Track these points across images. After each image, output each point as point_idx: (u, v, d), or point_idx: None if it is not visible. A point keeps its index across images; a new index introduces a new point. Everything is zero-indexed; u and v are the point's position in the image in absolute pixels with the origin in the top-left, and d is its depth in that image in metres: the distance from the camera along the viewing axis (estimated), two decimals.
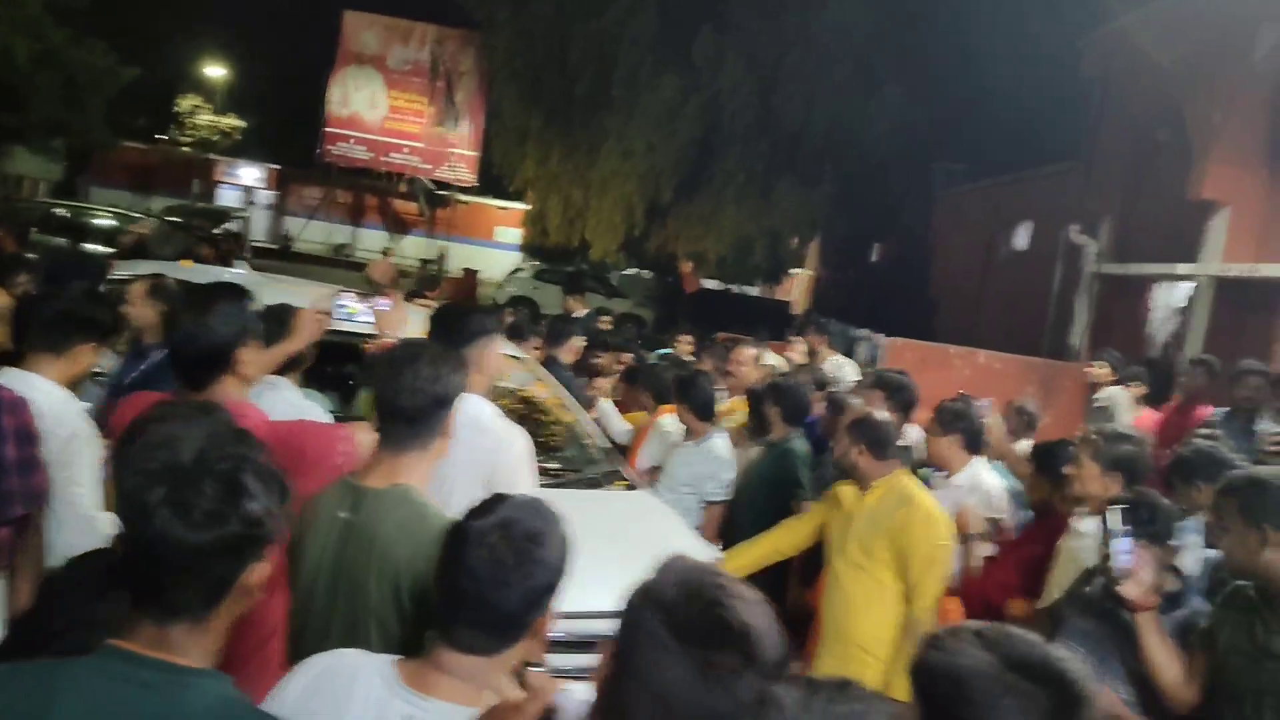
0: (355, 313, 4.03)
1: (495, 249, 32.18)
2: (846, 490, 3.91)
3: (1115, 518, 2.74)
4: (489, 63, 22.24)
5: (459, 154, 32.25)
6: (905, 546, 3.63)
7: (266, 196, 34.14)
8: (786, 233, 19.56)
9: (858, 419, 3.89)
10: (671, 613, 1.31)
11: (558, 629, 3.43)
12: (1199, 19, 10.37)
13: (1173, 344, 10.35)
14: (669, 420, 5.40)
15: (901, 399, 4.84)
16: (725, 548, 4.78)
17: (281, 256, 28.01)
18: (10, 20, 17.80)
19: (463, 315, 3.00)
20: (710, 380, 5.49)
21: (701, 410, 5.10)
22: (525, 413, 4.95)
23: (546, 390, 5.11)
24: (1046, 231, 14.75)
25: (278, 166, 34.41)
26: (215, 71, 37.85)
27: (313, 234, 33.42)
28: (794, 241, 21.02)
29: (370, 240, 33.24)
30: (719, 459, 4.99)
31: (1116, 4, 11.63)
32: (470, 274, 25.06)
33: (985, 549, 4.07)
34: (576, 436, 4.97)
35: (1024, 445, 5.86)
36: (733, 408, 5.75)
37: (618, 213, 18.27)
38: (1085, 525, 3.40)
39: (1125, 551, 2.71)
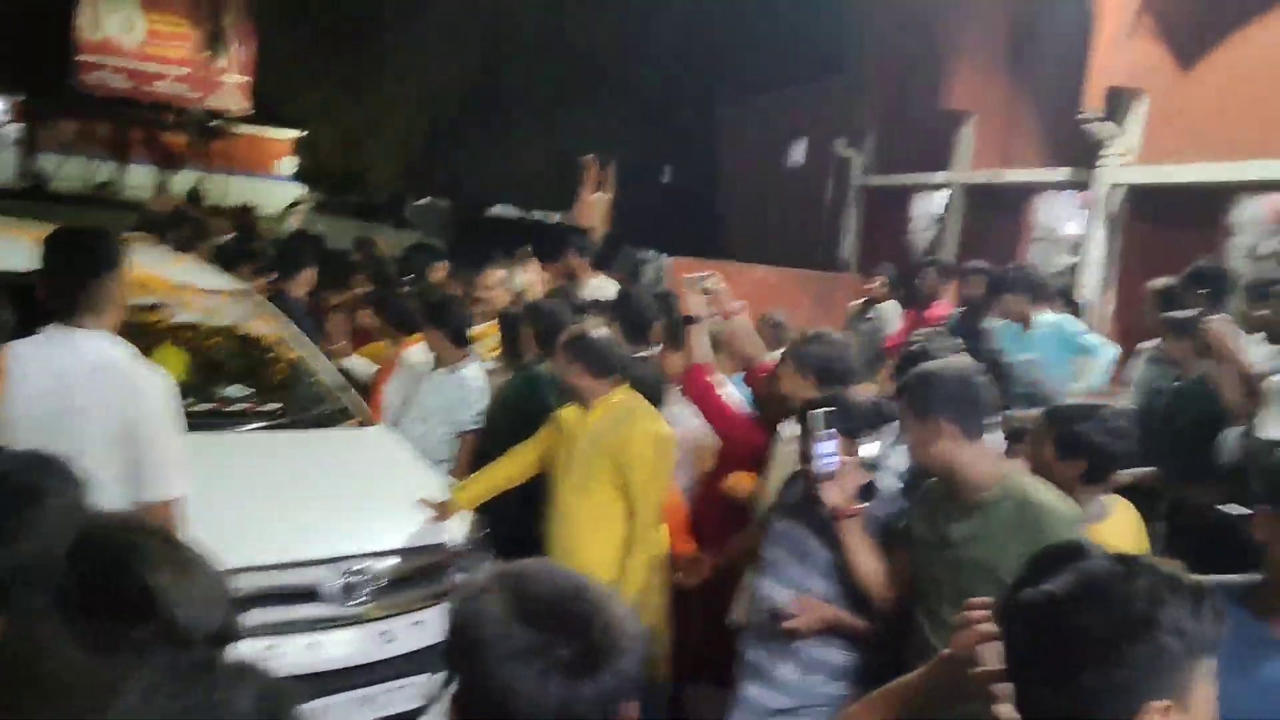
0: None
1: (278, 182, 30.44)
2: (569, 412, 3.84)
3: (817, 420, 2.72)
4: None
5: (231, 81, 30.13)
6: (625, 462, 3.59)
7: (12, 131, 31.00)
8: (576, 155, 19.33)
9: (572, 337, 3.80)
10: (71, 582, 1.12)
11: (266, 580, 3.25)
12: None
13: (931, 251, 10.82)
14: (416, 351, 5.18)
15: (629, 321, 4.77)
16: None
17: (32, 197, 25.56)
18: None
19: (86, 243, 2.68)
20: (463, 305, 5.30)
21: (455, 336, 4.91)
22: (242, 351, 4.63)
23: (270, 325, 4.78)
24: (819, 146, 15.14)
25: (23, 98, 31.22)
26: None
27: (71, 172, 30.65)
28: (587, 164, 20.83)
29: (139, 177, 30.78)
30: (471, 386, 4.82)
31: None
32: (247, 210, 23.62)
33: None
34: (301, 374, 4.68)
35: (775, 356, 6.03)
36: (484, 333, 5.57)
37: (398, 138, 17.54)
38: (790, 430, 3.43)
39: (827, 455, 2.70)
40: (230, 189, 28.38)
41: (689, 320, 4.13)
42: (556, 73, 17.54)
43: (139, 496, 2.58)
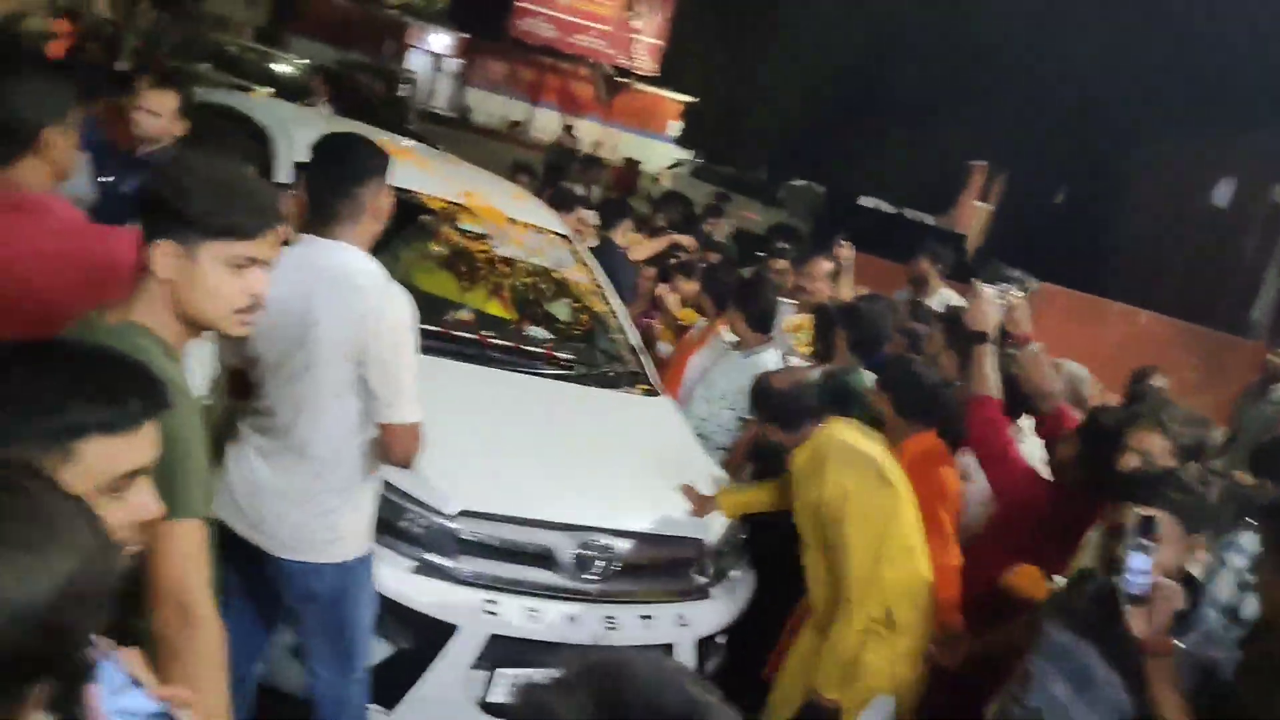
0: None
1: (663, 142, 31.55)
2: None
3: (1133, 524, 2.09)
4: None
5: (644, 41, 31.50)
6: (821, 521, 3.13)
7: (453, 65, 34.42)
8: (959, 157, 18.28)
9: (754, 392, 3.40)
10: None
11: (496, 532, 3.14)
12: None
13: None
14: (729, 330, 4.93)
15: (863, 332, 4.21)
16: (757, 476, 4.36)
17: (458, 126, 28.29)
18: None
19: (350, 151, 2.60)
20: (774, 289, 4.97)
21: (756, 320, 4.61)
22: (553, 294, 4.58)
23: (585, 274, 4.71)
24: (1249, 190, 13.14)
25: (467, 36, 34.54)
26: None
27: (491, 107, 33.58)
28: (972, 168, 19.67)
29: (545, 120, 33.14)
30: (769, 367, 4.51)
31: None
32: (632, 164, 24.63)
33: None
34: (604, 329, 4.56)
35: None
36: (800, 325, 5.20)
37: (781, 117, 17.40)
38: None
39: (1141, 571, 2.07)
40: (621, 143, 29.84)
41: (977, 338, 3.36)
42: (954, 69, 16.57)
43: (375, 417, 2.51)
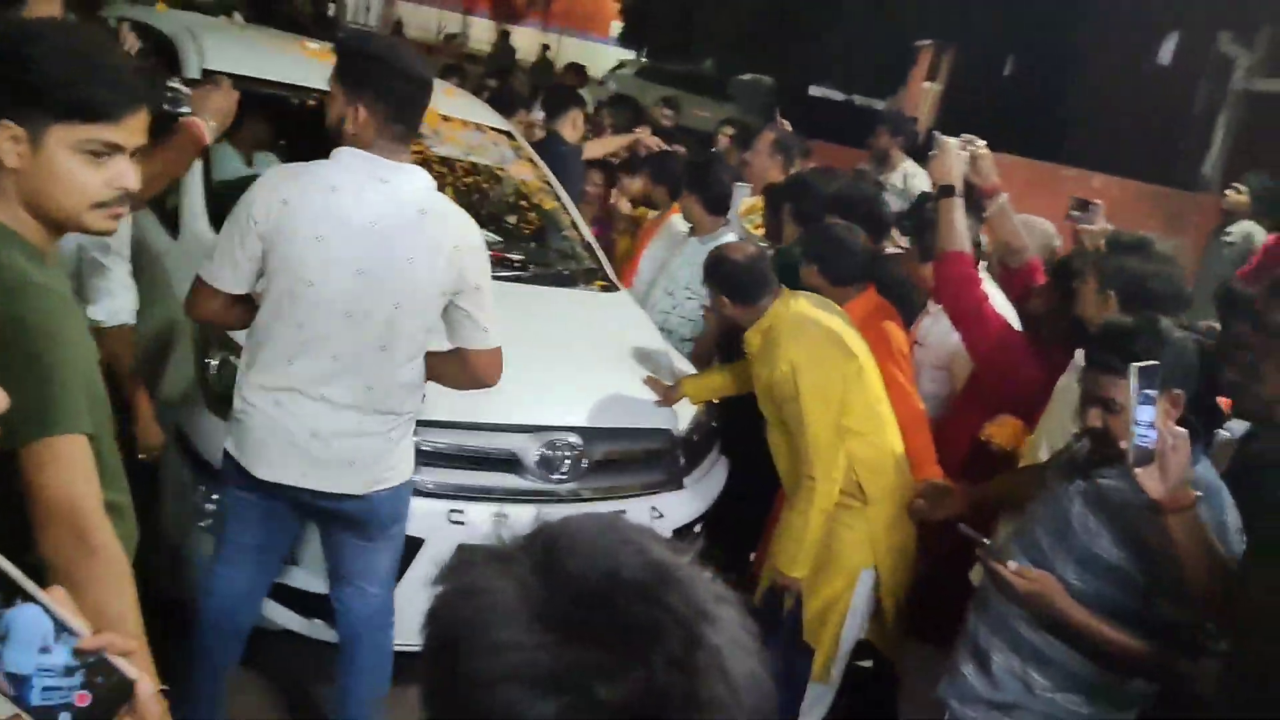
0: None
1: (607, 45, 30.76)
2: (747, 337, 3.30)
3: (1134, 377, 1.93)
4: None
5: None
6: (779, 399, 3.02)
7: None
8: (908, 38, 17.91)
9: (708, 262, 3.24)
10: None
11: (457, 439, 3.03)
12: None
13: None
14: (679, 219, 4.76)
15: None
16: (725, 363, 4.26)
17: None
18: None
19: (412, 56, 2.35)
20: (727, 169, 4.79)
21: (712, 203, 4.45)
22: (500, 194, 4.39)
23: (532, 171, 4.50)
24: (1194, 43, 13.00)
25: None
26: None
27: (424, 20, 32.51)
28: (918, 48, 19.33)
29: (481, 30, 32.15)
30: None
31: None
32: (576, 69, 24.01)
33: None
34: (554, 227, 4.39)
35: None
36: (754, 207, 5.04)
37: (727, 8, 16.90)
38: (1078, 364, 2.69)
39: (1146, 424, 1.92)
40: (562, 48, 29.03)
41: (944, 192, 3.15)
42: None
43: (466, 343, 2.42)
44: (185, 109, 2.51)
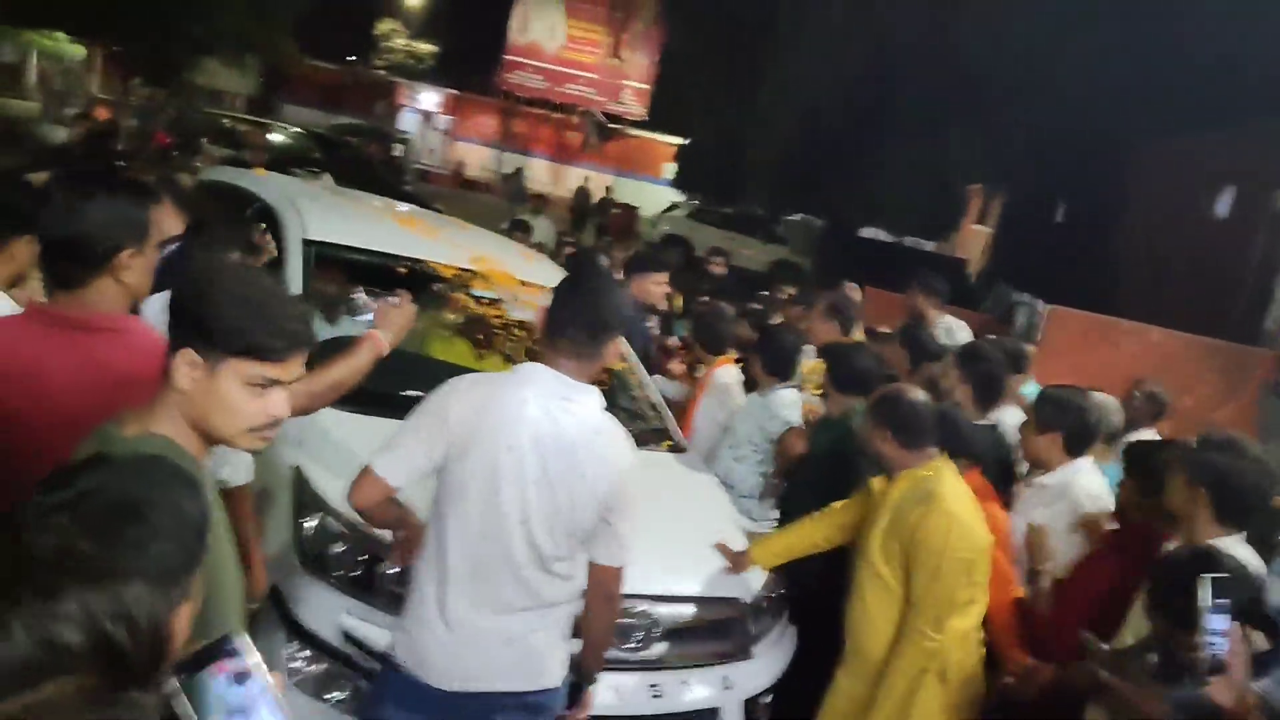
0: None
1: (660, 186, 31.77)
2: (876, 482, 3.35)
3: (1206, 589, 1.99)
4: None
5: (632, 86, 31.84)
6: (914, 546, 3.04)
7: (444, 121, 34.77)
8: (959, 182, 18.26)
9: (882, 396, 3.29)
10: None
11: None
12: None
13: None
14: (724, 372, 4.88)
15: (979, 374, 4.09)
16: (782, 522, 4.30)
17: (452, 182, 28.48)
18: None
19: (612, 288, 2.57)
20: (793, 334, 4.90)
21: (773, 365, 4.56)
22: None
23: None
24: (1251, 197, 13.14)
25: (456, 92, 34.92)
26: None
27: (485, 161, 33.86)
28: (971, 193, 19.67)
29: (538, 170, 33.38)
30: (781, 407, 4.47)
31: None
32: (629, 209, 24.75)
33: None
34: (625, 387, 4.52)
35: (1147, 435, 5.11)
36: (815, 368, 5.15)
37: (776, 153, 17.44)
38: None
39: (1217, 633, 1.98)
40: (617, 188, 30.04)
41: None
42: (944, 94, 16.57)
43: (596, 558, 2.51)
44: (366, 316, 2.69)
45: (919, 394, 3.29)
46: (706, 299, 6.11)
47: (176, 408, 1.63)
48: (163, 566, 1.15)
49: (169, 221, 3.92)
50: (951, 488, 3.11)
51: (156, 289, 2.37)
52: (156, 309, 2.90)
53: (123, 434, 1.62)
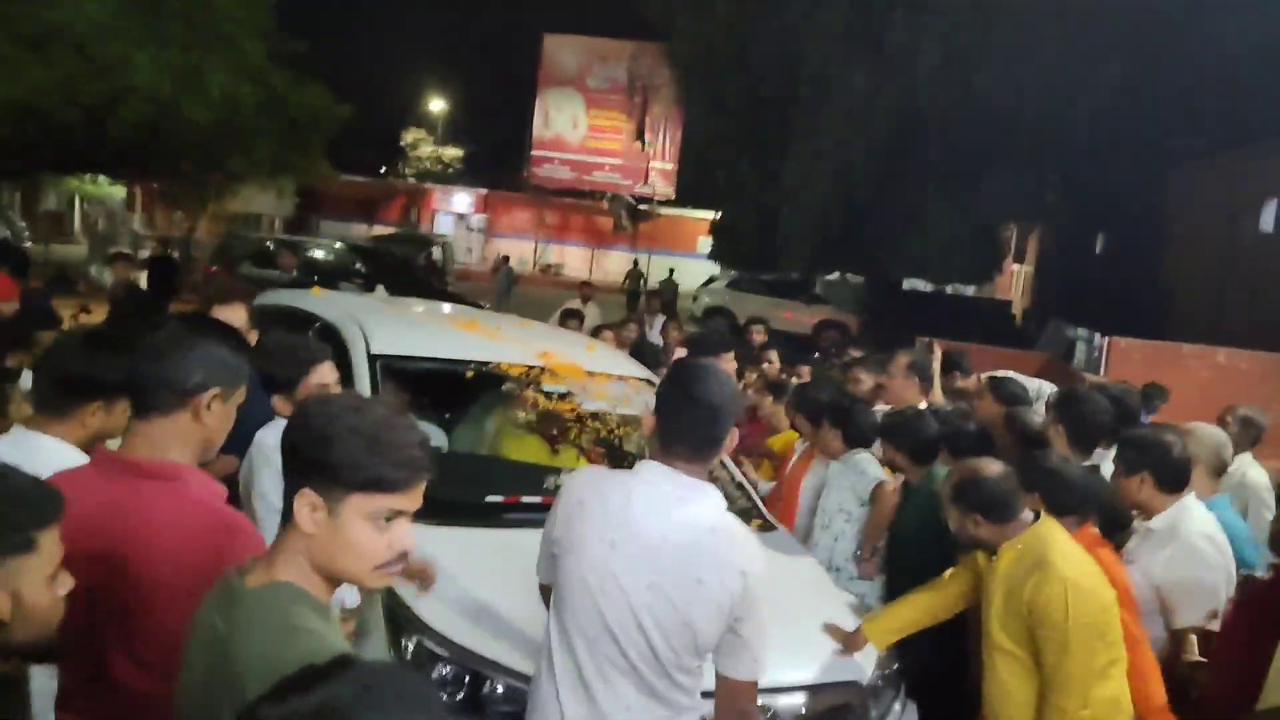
0: None
1: (696, 260, 32.00)
2: (981, 557, 3.19)
3: None
4: (674, 71, 21.92)
5: (657, 168, 32.33)
6: (1035, 622, 2.87)
7: (478, 221, 35.42)
8: (997, 225, 18.16)
9: (961, 483, 3.11)
10: None
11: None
12: None
13: None
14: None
15: (1077, 422, 3.94)
16: (889, 590, 4.16)
17: (492, 278, 28.84)
18: (237, 68, 19.06)
19: (720, 380, 2.33)
20: (868, 408, 4.77)
21: (856, 439, 4.46)
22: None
23: None
24: None
25: (485, 191, 35.64)
26: (436, 105, 39.74)
27: (522, 254, 34.34)
28: (1006, 234, 19.56)
29: (575, 258, 33.77)
30: (868, 468, 4.37)
31: None
32: (669, 285, 24.90)
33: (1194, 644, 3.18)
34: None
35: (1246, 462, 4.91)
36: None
37: (810, 216, 17.47)
38: None
39: None
40: (653, 267, 30.28)
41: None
42: (973, 138, 16.57)
43: (723, 670, 2.30)
44: None
45: (995, 465, 3.15)
46: (807, 370, 5.97)
47: (300, 553, 1.57)
48: None
49: (248, 333, 3.93)
50: (1061, 551, 2.93)
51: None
52: (271, 442, 2.88)
53: (247, 584, 1.56)
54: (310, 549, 1.57)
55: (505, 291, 21.26)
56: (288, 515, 1.58)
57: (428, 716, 1.12)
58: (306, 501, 1.55)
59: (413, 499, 1.59)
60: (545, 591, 2.40)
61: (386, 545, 1.57)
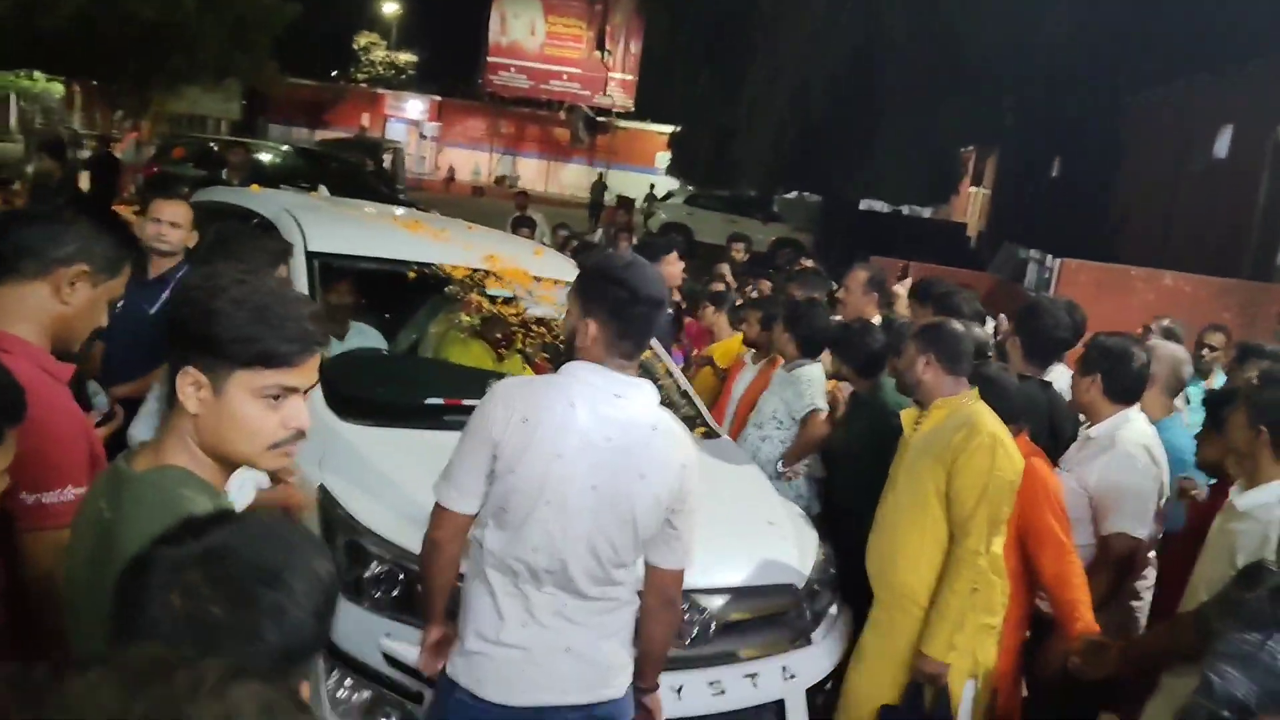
0: None
1: (653, 175, 31.67)
2: (907, 413, 3.27)
3: None
4: None
5: (617, 79, 31.72)
6: (955, 470, 2.96)
7: (431, 129, 34.64)
8: (954, 148, 18.12)
9: (926, 325, 3.23)
10: None
11: None
12: None
13: None
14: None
15: (1034, 335, 3.95)
16: (827, 513, 4.20)
17: (445, 189, 28.37)
18: None
19: (657, 280, 2.31)
20: (825, 313, 4.76)
21: (805, 345, 4.45)
22: None
23: None
24: (1251, 136, 12.99)
25: (440, 99, 34.79)
26: (389, 7, 38.48)
27: (475, 164, 33.75)
28: (964, 157, 19.54)
29: (529, 169, 33.25)
30: (806, 380, 4.38)
31: None
32: (625, 201, 24.66)
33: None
34: (651, 374, 4.39)
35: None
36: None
37: (768, 134, 17.29)
38: (1247, 500, 2.59)
39: None
40: (610, 182, 29.93)
41: None
42: (932, 61, 16.42)
43: (655, 561, 2.36)
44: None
45: (968, 327, 3.24)
46: (767, 285, 5.92)
47: (188, 435, 1.49)
48: (298, 638, 1.05)
49: (189, 232, 3.80)
50: (992, 419, 3.04)
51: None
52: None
53: (134, 469, 1.49)
54: (198, 430, 1.49)
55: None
56: (173, 397, 1.50)
57: (319, 562, 1.12)
58: (190, 380, 1.46)
59: (305, 375, 1.51)
60: (462, 527, 2.31)
61: (279, 423, 1.50)
